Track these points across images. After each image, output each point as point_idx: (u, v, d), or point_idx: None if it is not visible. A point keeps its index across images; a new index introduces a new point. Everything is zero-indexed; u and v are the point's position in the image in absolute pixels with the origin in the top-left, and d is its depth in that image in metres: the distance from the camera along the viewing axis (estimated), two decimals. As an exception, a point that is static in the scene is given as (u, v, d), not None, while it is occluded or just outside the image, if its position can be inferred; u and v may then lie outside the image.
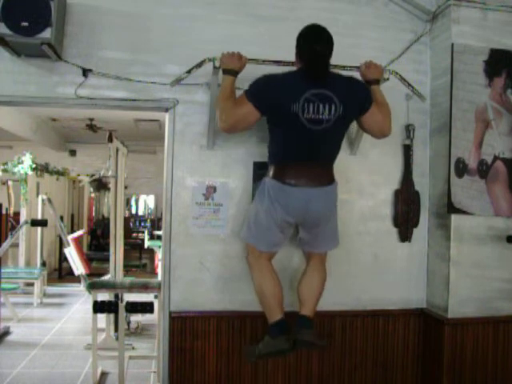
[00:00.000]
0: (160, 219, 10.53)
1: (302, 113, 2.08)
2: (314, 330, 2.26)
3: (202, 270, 2.67)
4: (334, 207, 2.32)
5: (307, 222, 2.27)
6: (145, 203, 12.83)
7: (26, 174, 6.77)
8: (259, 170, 2.64)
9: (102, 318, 4.31)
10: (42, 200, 6.78)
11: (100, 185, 11.41)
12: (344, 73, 2.52)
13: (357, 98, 2.21)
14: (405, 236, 2.87)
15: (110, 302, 3.47)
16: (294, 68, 2.35)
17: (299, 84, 2.12)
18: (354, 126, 2.79)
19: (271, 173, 2.25)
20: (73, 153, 10.90)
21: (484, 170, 2.73)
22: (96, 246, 10.49)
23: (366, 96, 2.24)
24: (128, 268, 7.41)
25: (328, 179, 2.25)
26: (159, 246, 6.05)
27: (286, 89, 2.12)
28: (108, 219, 8.53)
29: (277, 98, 2.12)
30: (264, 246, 2.31)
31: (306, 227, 2.31)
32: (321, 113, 2.08)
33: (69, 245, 5.67)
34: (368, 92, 2.26)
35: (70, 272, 6.20)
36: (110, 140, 4.18)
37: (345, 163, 2.82)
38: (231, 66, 2.25)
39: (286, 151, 2.21)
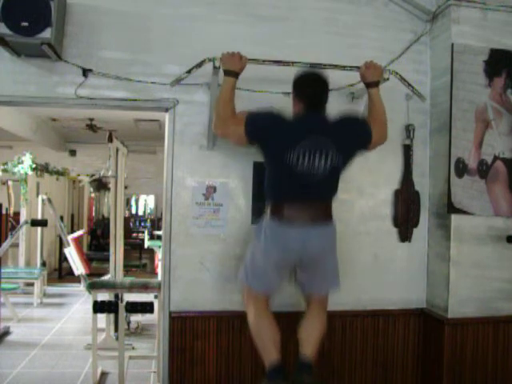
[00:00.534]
0: (160, 219, 10.53)
1: (296, 161, 2.06)
2: (314, 374, 2.17)
3: (202, 270, 2.67)
4: (333, 246, 2.26)
5: (305, 263, 2.20)
6: (145, 203, 12.82)
7: (26, 173, 6.76)
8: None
9: (102, 318, 4.30)
10: (42, 200, 6.77)
11: (100, 185, 11.40)
12: (344, 73, 2.54)
13: (357, 141, 2.22)
14: (405, 236, 2.87)
15: (110, 301, 3.47)
16: (293, 68, 2.36)
17: (297, 132, 2.11)
18: (354, 125, 2.79)
19: (268, 212, 2.21)
20: (73, 153, 10.89)
21: (484, 170, 2.73)
22: (96, 246, 10.48)
23: (366, 136, 2.24)
24: (128, 268, 7.40)
25: (326, 218, 2.19)
26: (159, 246, 6.05)
27: (283, 135, 2.11)
28: (108, 219, 8.52)
29: (273, 142, 2.11)
30: (260, 287, 2.24)
31: (304, 268, 2.25)
32: (317, 162, 2.07)
33: (69, 245, 5.67)
34: (367, 129, 2.24)
35: (70, 272, 6.19)
36: (110, 140, 4.18)
37: (345, 163, 2.83)
38: (232, 67, 2.24)
39: (281, 191, 2.18)
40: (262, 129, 2.16)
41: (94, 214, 11.64)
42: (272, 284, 2.26)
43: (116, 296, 3.47)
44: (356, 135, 2.22)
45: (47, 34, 2.31)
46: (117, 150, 4.50)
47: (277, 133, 2.12)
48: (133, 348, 4.35)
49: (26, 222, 5.80)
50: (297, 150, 2.06)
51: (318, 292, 2.31)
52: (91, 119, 7.84)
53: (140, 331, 4.85)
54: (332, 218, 2.24)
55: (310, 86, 2.15)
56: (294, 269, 2.31)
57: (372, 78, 2.32)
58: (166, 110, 2.69)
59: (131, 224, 12.05)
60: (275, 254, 2.15)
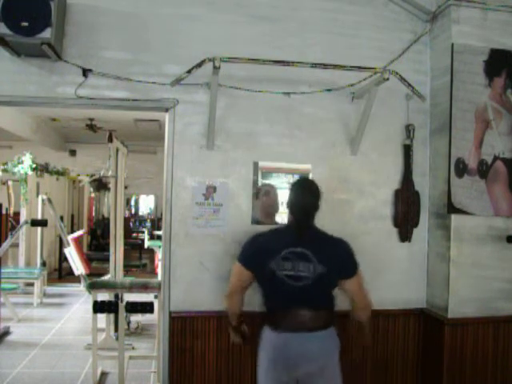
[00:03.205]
0: (160, 219, 10.53)
1: (278, 269, 2.08)
2: None
3: (202, 270, 2.67)
4: (331, 355, 2.17)
5: (302, 372, 2.13)
6: (145, 203, 12.82)
7: (26, 173, 6.77)
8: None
9: (102, 318, 4.30)
10: (42, 200, 6.77)
11: (100, 185, 11.40)
12: (344, 73, 2.54)
13: (338, 261, 2.14)
14: (405, 236, 2.87)
15: (110, 302, 3.47)
16: (293, 68, 2.36)
17: (281, 242, 2.13)
18: (353, 126, 2.80)
19: (265, 321, 2.21)
20: (73, 153, 10.89)
21: (484, 169, 2.73)
22: (96, 246, 10.49)
23: (348, 262, 2.17)
24: (128, 268, 7.40)
25: (320, 325, 2.13)
26: (159, 246, 6.05)
27: (266, 247, 2.14)
28: (108, 219, 8.53)
29: (258, 256, 2.14)
30: None
31: (304, 380, 2.16)
32: (298, 270, 2.07)
33: (69, 245, 5.67)
34: (352, 260, 2.18)
35: (70, 272, 6.20)
36: (110, 140, 4.18)
37: (345, 163, 2.84)
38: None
39: (271, 302, 2.20)
40: (250, 250, 2.21)
41: (94, 213, 11.65)
42: None
43: (116, 296, 3.47)
44: (338, 260, 2.14)
45: (47, 33, 2.31)
46: (117, 150, 4.50)
47: (262, 248, 2.16)
48: (133, 348, 4.36)
49: (26, 222, 5.80)
50: (278, 258, 2.08)
51: None
52: (91, 119, 7.84)
53: (140, 331, 4.85)
54: (330, 325, 2.16)
55: (298, 200, 2.16)
56: None
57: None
58: (166, 110, 2.69)
59: (131, 224, 12.06)
60: (272, 365, 2.14)
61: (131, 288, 3.55)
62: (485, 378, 2.75)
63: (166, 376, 2.68)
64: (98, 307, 3.36)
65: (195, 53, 2.49)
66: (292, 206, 2.17)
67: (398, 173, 2.89)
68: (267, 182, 2.76)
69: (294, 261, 2.07)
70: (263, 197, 2.74)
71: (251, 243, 2.21)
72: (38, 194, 7.17)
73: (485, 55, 2.72)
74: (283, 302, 2.14)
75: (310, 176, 2.80)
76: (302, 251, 2.07)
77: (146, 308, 3.36)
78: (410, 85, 2.55)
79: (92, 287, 3.68)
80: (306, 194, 2.16)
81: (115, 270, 4.51)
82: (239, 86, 2.66)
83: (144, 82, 2.62)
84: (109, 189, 8.85)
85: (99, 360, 3.70)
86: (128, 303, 3.35)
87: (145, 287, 3.57)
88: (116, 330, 4.29)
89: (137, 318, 4.91)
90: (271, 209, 2.76)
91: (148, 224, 12.28)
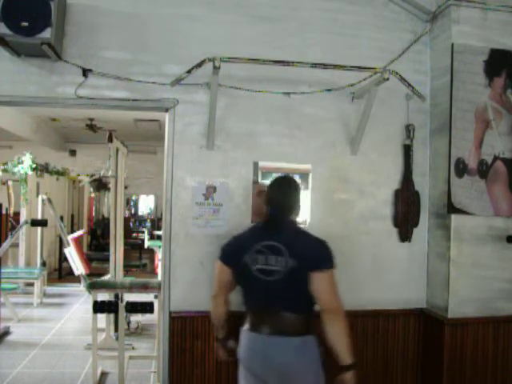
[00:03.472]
0: (160, 219, 10.53)
1: (252, 263, 2.06)
2: None
3: (202, 270, 2.67)
4: (300, 369, 1.98)
5: (265, 378, 2.03)
6: (145, 203, 12.83)
7: (26, 173, 6.77)
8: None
9: (102, 318, 4.31)
10: (42, 200, 6.78)
11: (100, 185, 11.40)
12: (344, 73, 2.54)
13: (309, 256, 2.02)
14: (405, 236, 2.87)
15: (110, 302, 3.47)
16: (293, 68, 2.36)
17: (255, 236, 2.13)
18: (353, 126, 2.80)
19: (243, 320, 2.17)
20: (73, 153, 10.89)
21: (484, 169, 2.73)
22: (96, 246, 10.49)
23: (320, 257, 2.03)
24: (128, 268, 7.41)
25: (294, 330, 2.00)
26: (159, 246, 6.05)
27: (242, 243, 2.15)
28: (108, 219, 8.53)
29: (235, 251, 2.14)
30: None
31: None
32: (270, 264, 2.04)
33: (69, 245, 5.67)
34: (324, 256, 2.03)
35: (70, 272, 6.20)
36: (110, 140, 4.18)
37: (345, 163, 2.84)
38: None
39: (246, 298, 2.18)
40: (228, 248, 2.21)
41: (94, 213, 11.65)
42: None
43: (116, 296, 3.47)
44: (309, 254, 2.03)
45: (47, 33, 2.31)
46: (117, 150, 4.50)
47: (238, 244, 2.17)
48: (133, 348, 4.36)
49: (26, 222, 5.80)
50: (252, 251, 2.07)
51: None
52: (91, 119, 7.84)
53: (140, 331, 4.85)
54: (306, 332, 2.01)
55: (272, 195, 2.16)
56: None
57: None
58: (166, 110, 2.69)
59: (131, 224, 12.06)
60: (244, 363, 2.10)
61: (131, 288, 3.56)
62: (485, 377, 2.75)
63: (166, 376, 2.68)
64: (98, 307, 3.36)
65: (195, 53, 2.49)
66: (268, 201, 2.17)
67: (397, 173, 2.89)
68: (267, 182, 2.75)
69: (267, 254, 2.04)
70: (256, 196, 2.72)
71: (230, 240, 2.23)
72: (38, 194, 7.17)
73: (485, 55, 2.72)
74: (256, 300, 2.11)
75: (310, 176, 2.80)
76: (275, 244, 2.04)
77: (146, 308, 3.36)
78: (410, 85, 2.55)
79: (92, 287, 3.68)
80: (281, 189, 2.17)
81: (115, 270, 4.51)
82: (239, 86, 2.66)
83: (144, 82, 2.62)
84: (109, 189, 8.85)
85: (99, 360, 3.70)
86: (128, 303, 3.35)
87: (145, 287, 3.57)
88: (116, 330, 4.29)
89: (137, 318, 4.91)
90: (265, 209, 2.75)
91: (148, 224, 12.28)
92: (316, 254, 2.04)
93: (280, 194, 2.15)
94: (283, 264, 2.00)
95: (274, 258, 2.03)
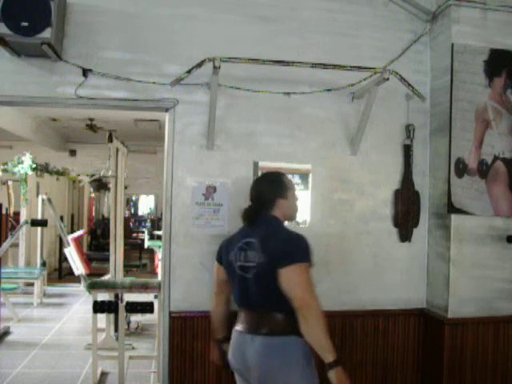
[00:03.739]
0: (160, 219, 10.54)
1: (235, 260, 2.07)
2: None
3: (202, 270, 2.67)
4: (282, 365, 1.89)
5: (252, 379, 1.98)
6: (145, 203, 12.83)
7: (26, 173, 6.78)
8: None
9: (102, 318, 4.31)
10: (42, 200, 6.78)
11: (100, 185, 11.41)
12: (344, 73, 2.54)
13: (277, 251, 1.93)
14: (405, 236, 2.87)
15: (110, 301, 3.47)
16: (293, 68, 2.36)
17: (242, 234, 2.12)
18: (353, 126, 2.80)
19: None
20: (73, 153, 10.91)
21: (484, 169, 2.73)
22: (96, 246, 10.50)
23: (287, 252, 1.92)
24: (128, 268, 7.41)
25: (272, 330, 1.92)
26: (159, 246, 6.05)
27: (231, 241, 2.15)
28: (108, 219, 8.54)
29: (225, 251, 2.15)
30: None
31: None
32: (248, 260, 2.02)
33: (69, 245, 5.67)
34: (294, 250, 1.93)
35: (70, 272, 6.20)
36: (110, 140, 4.18)
37: (345, 163, 2.84)
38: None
39: (234, 298, 2.16)
40: (221, 248, 2.22)
41: (94, 213, 11.66)
42: None
43: (116, 296, 3.47)
44: (275, 250, 1.94)
45: (47, 33, 2.31)
46: (117, 150, 4.50)
47: (228, 243, 2.17)
48: (133, 348, 4.36)
49: (26, 222, 5.81)
50: (236, 248, 2.07)
51: None
52: (91, 119, 7.85)
53: (140, 331, 4.86)
54: (287, 333, 1.91)
55: (251, 188, 2.17)
56: None
57: None
58: (166, 110, 2.69)
59: (131, 224, 12.07)
60: (230, 362, 2.09)
61: (131, 288, 3.56)
62: (485, 378, 2.75)
63: (165, 376, 2.68)
64: (98, 307, 3.36)
65: (195, 53, 2.49)
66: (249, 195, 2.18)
67: (397, 173, 2.89)
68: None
69: (247, 251, 2.03)
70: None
71: (224, 240, 2.24)
72: (38, 194, 7.18)
73: (485, 55, 2.72)
74: (238, 297, 2.10)
75: (310, 176, 2.80)
76: (252, 240, 2.02)
77: (146, 308, 3.36)
78: (409, 85, 2.55)
79: (92, 287, 3.68)
80: (255, 183, 2.20)
81: (115, 270, 4.51)
82: (239, 86, 2.66)
83: (144, 82, 2.62)
84: (109, 189, 8.85)
85: (99, 360, 3.70)
86: (128, 303, 3.35)
87: (145, 287, 3.57)
88: (116, 330, 4.29)
89: (137, 318, 4.91)
90: None
91: (148, 224, 12.29)
92: (284, 249, 1.93)
93: (254, 188, 2.15)
94: (256, 260, 1.97)
95: (250, 253, 2.01)
